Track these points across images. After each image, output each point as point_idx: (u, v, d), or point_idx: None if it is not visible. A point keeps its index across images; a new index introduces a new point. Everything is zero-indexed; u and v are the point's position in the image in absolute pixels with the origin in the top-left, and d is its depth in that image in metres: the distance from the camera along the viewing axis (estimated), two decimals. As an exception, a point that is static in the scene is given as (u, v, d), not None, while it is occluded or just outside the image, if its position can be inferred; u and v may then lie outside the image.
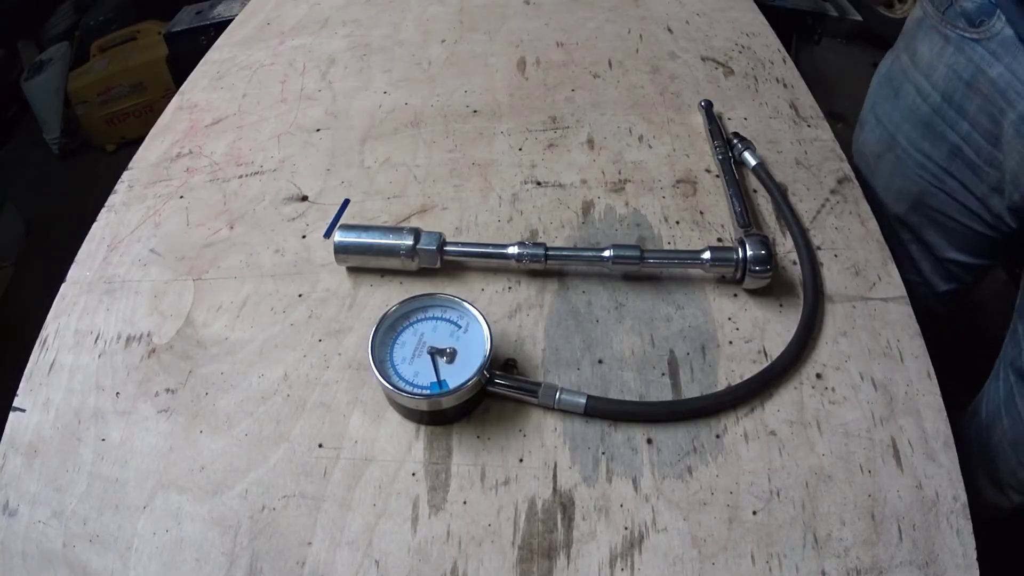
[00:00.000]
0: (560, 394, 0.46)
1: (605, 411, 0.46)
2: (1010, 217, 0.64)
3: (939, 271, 0.73)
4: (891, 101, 0.71)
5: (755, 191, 0.60)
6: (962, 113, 0.63)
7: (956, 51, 0.62)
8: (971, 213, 0.67)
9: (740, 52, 0.75)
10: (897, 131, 0.70)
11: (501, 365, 0.49)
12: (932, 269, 0.73)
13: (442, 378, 0.46)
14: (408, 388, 0.46)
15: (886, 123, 0.71)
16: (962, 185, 0.66)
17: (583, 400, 0.46)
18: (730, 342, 0.50)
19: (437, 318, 0.49)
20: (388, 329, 0.49)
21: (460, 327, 0.49)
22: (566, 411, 0.47)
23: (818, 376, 0.48)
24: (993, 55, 0.59)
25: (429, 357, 0.47)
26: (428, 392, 0.45)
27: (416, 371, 0.47)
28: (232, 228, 0.62)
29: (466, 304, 0.49)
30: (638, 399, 0.48)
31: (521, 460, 0.46)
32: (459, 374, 0.46)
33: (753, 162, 0.60)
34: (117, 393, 0.51)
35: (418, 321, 0.49)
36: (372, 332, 0.48)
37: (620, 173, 0.63)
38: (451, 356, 0.47)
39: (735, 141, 0.62)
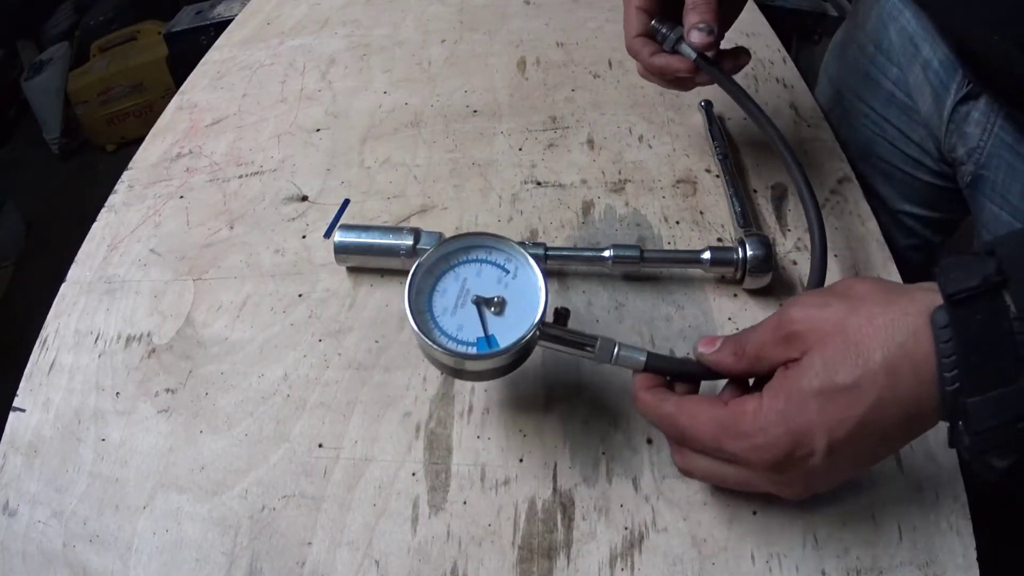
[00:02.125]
0: (619, 349, 0.42)
1: (667, 369, 0.42)
2: (944, 163, 0.64)
3: (895, 225, 0.73)
4: (840, 61, 0.73)
5: (755, 191, 0.60)
6: (890, 58, 0.65)
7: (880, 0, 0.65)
8: (913, 160, 0.68)
9: (740, 52, 0.75)
10: (843, 86, 0.72)
11: (553, 315, 0.43)
12: (889, 223, 0.73)
13: (490, 333, 0.41)
14: (453, 346, 0.40)
15: (835, 81, 0.74)
16: (899, 131, 0.67)
17: (643, 357, 0.42)
18: (730, 342, 0.50)
19: (482, 260, 0.43)
20: (426, 274, 0.43)
21: (508, 272, 0.43)
22: (624, 367, 0.43)
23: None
24: (903, 1, 0.62)
25: (475, 307, 0.42)
26: (476, 351, 0.40)
27: (460, 324, 0.41)
28: (232, 228, 0.62)
29: (515, 246, 0.43)
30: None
31: (521, 460, 0.46)
32: (510, 328, 0.40)
33: (693, 55, 0.53)
34: (117, 393, 0.51)
35: (460, 264, 0.43)
36: (409, 279, 0.41)
37: (620, 173, 0.63)
38: (500, 307, 0.41)
39: (661, 28, 0.54)
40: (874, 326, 0.33)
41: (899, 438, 0.35)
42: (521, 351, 0.41)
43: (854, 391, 0.33)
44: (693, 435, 0.38)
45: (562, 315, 0.43)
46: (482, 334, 0.40)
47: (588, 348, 0.42)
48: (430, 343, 0.39)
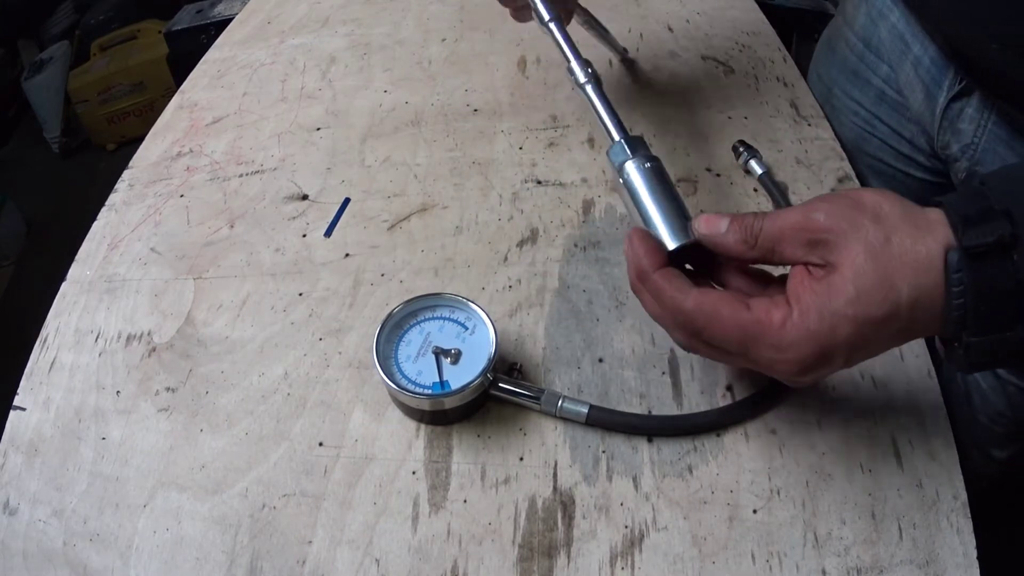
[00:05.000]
0: (562, 402, 0.46)
1: (607, 422, 0.46)
2: (937, 160, 0.64)
3: None
4: (829, 58, 0.73)
5: (756, 189, 0.60)
6: (880, 56, 0.65)
7: None
8: (905, 157, 0.68)
9: (740, 51, 0.75)
10: (833, 84, 0.73)
11: (506, 369, 0.49)
12: None
13: (445, 378, 0.46)
14: (411, 387, 0.46)
15: (824, 79, 0.74)
16: (890, 128, 0.67)
17: (585, 409, 0.45)
18: (730, 341, 0.50)
19: (444, 318, 0.49)
20: (394, 326, 0.49)
21: (467, 328, 0.48)
22: (568, 419, 0.47)
23: (818, 375, 0.48)
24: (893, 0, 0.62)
25: (433, 357, 0.47)
26: (430, 392, 0.45)
27: (420, 370, 0.47)
28: (232, 227, 0.62)
29: (473, 306, 0.49)
30: (639, 398, 0.48)
31: (521, 459, 0.46)
32: (462, 375, 0.46)
33: (759, 171, 0.60)
34: (117, 392, 0.51)
35: (425, 320, 0.49)
36: (378, 329, 0.48)
37: (620, 172, 0.63)
38: (455, 357, 0.47)
39: (741, 149, 0.61)
40: (903, 262, 0.35)
41: (898, 344, 0.38)
42: (470, 395, 0.45)
43: (883, 323, 0.35)
44: (712, 336, 0.37)
45: (515, 369, 0.49)
46: (437, 379, 0.46)
47: (534, 400, 0.46)
48: (391, 383, 0.45)
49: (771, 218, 0.38)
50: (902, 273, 0.34)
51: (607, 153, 0.45)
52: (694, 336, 0.39)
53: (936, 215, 0.35)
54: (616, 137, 0.45)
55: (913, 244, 0.35)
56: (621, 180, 0.44)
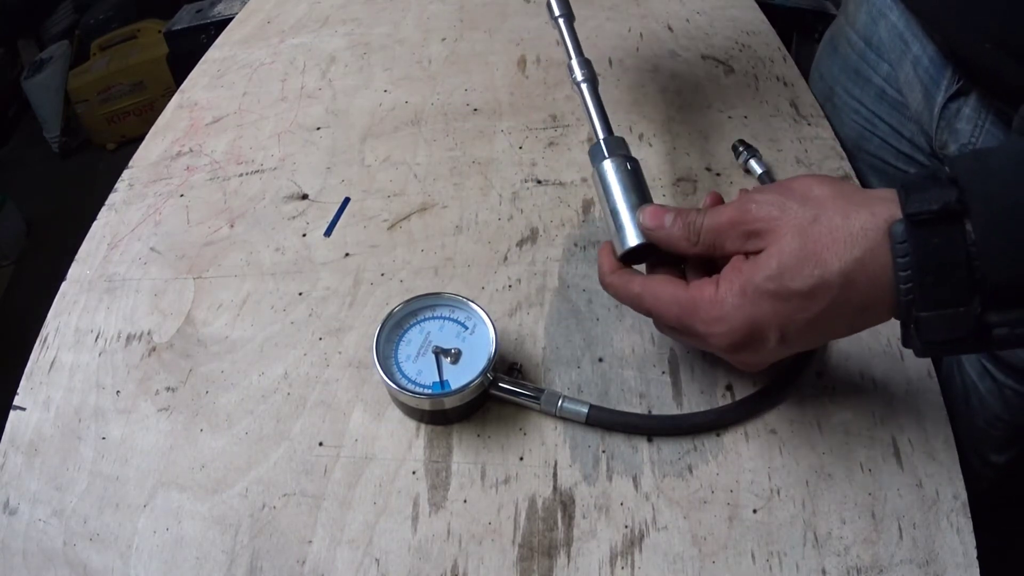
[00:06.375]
0: (562, 402, 0.46)
1: (607, 422, 0.46)
2: (936, 159, 0.64)
3: None
4: (831, 57, 0.74)
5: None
6: (880, 54, 0.66)
7: None
8: (904, 156, 0.68)
9: (740, 50, 0.75)
10: (835, 83, 0.73)
11: (506, 369, 0.49)
12: None
13: (445, 378, 0.46)
14: (411, 387, 0.46)
15: (827, 77, 0.74)
16: (891, 127, 0.67)
17: (585, 409, 0.45)
18: (730, 340, 0.50)
19: (444, 318, 0.49)
20: (394, 326, 0.49)
21: (467, 328, 0.48)
22: (567, 419, 0.47)
23: (818, 375, 0.48)
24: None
25: (433, 356, 0.47)
26: (430, 392, 0.45)
27: (420, 370, 0.47)
28: (232, 226, 0.62)
29: (474, 305, 0.49)
30: (639, 398, 0.48)
31: (521, 458, 0.46)
32: (462, 375, 0.46)
33: (759, 170, 0.60)
34: (117, 391, 0.51)
35: (425, 320, 0.49)
36: (378, 328, 0.48)
37: (620, 171, 0.63)
38: (455, 357, 0.47)
39: (740, 148, 0.61)
40: (833, 238, 0.35)
41: (852, 327, 0.39)
42: (470, 395, 0.45)
43: (808, 297, 0.35)
44: (659, 314, 0.41)
45: (515, 368, 0.49)
46: (437, 379, 0.46)
47: (534, 399, 0.46)
48: (391, 383, 0.45)
49: (711, 214, 0.40)
50: (832, 249, 0.34)
51: (589, 152, 0.48)
52: (653, 318, 0.42)
53: (886, 193, 0.35)
54: (600, 135, 0.48)
55: (844, 220, 0.35)
56: (598, 178, 0.47)
